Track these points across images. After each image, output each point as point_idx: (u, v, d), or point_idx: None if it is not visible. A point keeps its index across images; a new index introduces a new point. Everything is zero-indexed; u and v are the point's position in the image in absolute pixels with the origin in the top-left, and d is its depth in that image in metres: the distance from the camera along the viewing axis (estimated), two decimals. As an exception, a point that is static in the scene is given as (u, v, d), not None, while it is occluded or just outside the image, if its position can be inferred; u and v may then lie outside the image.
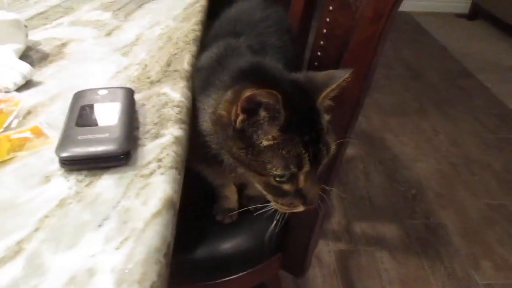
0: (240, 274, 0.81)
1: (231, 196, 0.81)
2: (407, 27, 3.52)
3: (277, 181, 0.53)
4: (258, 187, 0.57)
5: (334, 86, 0.52)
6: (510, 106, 2.47)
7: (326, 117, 0.55)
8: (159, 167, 0.42)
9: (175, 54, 0.64)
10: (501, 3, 3.17)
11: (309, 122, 0.52)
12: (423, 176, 1.96)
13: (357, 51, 0.58)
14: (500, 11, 3.19)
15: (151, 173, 0.41)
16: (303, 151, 0.51)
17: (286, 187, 0.54)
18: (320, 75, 0.55)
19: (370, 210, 1.78)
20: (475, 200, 1.84)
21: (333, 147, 0.55)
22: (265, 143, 0.51)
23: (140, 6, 0.83)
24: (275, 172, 0.51)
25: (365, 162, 2.02)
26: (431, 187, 1.90)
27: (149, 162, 0.42)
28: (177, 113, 0.50)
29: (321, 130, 0.53)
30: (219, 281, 0.80)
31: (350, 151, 2.10)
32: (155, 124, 0.48)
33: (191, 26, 0.73)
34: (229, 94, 0.52)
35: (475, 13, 3.60)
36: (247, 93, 0.47)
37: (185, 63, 0.61)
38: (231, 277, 0.81)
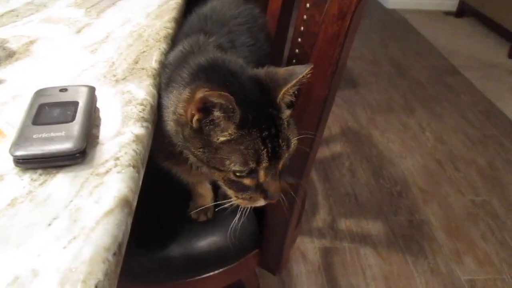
0: (217, 271, 0.81)
1: (205, 193, 0.80)
2: (395, 25, 3.54)
3: (237, 176, 0.53)
4: (219, 183, 0.57)
5: (294, 82, 0.52)
6: (496, 103, 2.49)
7: (287, 112, 0.55)
8: (116, 165, 0.42)
9: (144, 51, 0.63)
10: (487, 1, 3.19)
11: (268, 117, 0.52)
12: (409, 173, 1.97)
13: (324, 49, 0.58)
14: (487, 9, 3.21)
15: (107, 172, 0.41)
16: (262, 147, 0.51)
17: (247, 182, 0.54)
18: (281, 71, 0.55)
19: (355, 207, 1.79)
20: (459, 197, 1.86)
21: (294, 142, 0.55)
22: (222, 139, 0.51)
23: (114, 3, 0.82)
24: (234, 168, 0.51)
25: (351, 159, 2.03)
26: (416, 184, 1.91)
27: (106, 161, 0.42)
28: (140, 111, 0.50)
29: (281, 125, 0.53)
30: (195, 279, 0.80)
31: (336, 148, 2.10)
32: (117, 122, 0.48)
33: (163, 24, 0.73)
34: (185, 93, 0.52)
35: (462, 11, 3.62)
36: (200, 93, 0.47)
37: (153, 61, 0.61)
38: (208, 275, 0.80)
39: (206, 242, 0.79)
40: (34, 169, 0.41)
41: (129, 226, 0.39)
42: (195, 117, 0.51)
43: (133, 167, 0.42)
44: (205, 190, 0.80)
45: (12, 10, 0.77)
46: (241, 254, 0.82)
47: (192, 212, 0.81)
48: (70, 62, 0.61)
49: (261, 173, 0.53)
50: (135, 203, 0.41)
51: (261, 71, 0.56)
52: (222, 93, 0.46)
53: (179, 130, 0.54)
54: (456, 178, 1.95)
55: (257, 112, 0.51)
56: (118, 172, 0.41)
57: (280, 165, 0.55)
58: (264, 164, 0.52)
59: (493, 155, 2.10)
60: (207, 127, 0.51)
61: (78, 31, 0.70)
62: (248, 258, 0.83)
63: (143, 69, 0.58)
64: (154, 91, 0.55)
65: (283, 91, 0.53)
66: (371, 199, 1.82)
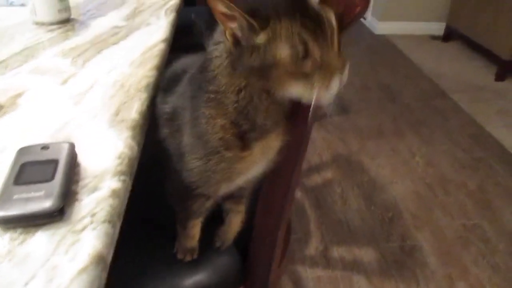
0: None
1: (196, 235, 0.82)
2: (384, 50, 3.62)
3: (294, 64, 0.52)
4: (291, 90, 0.55)
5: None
6: (484, 125, 2.53)
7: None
8: (92, 222, 0.44)
9: (125, 102, 0.66)
10: (473, 25, 3.28)
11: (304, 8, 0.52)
12: (400, 198, 1.99)
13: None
14: (473, 33, 3.30)
15: (83, 228, 0.43)
16: (302, 27, 0.51)
17: (307, 66, 0.52)
18: None
19: (347, 234, 1.80)
20: (450, 221, 1.87)
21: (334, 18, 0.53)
22: (259, 41, 0.52)
23: (99, 51, 0.86)
24: (285, 56, 0.51)
25: (343, 186, 2.05)
26: (407, 209, 1.93)
27: (83, 217, 0.45)
28: (117, 165, 0.53)
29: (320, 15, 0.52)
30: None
31: (327, 175, 2.13)
32: (95, 177, 0.50)
33: (145, 72, 0.76)
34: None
35: (449, 35, 3.72)
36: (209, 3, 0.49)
37: (133, 112, 0.64)
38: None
39: (190, 281, 0.81)
40: (14, 228, 0.43)
41: (104, 280, 0.41)
42: (227, 32, 0.52)
43: (109, 222, 0.45)
44: (197, 231, 0.81)
45: (1, 62, 0.80)
46: (227, 292, 0.84)
47: (178, 253, 0.83)
48: (54, 115, 0.64)
49: (315, 50, 0.51)
50: (110, 257, 0.43)
51: None
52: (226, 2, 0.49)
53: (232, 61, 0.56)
54: (447, 203, 1.97)
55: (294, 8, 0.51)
56: (93, 229, 0.43)
57: (331, 39, 0.52)
58: (311, 40, 0.51)
59: (483, 178, 2.13)
60: (243, 38, 0.53)
61: (64, 82, 0.74)
62: (234, 295, 0.85)
63: (123, 121, 0.61)
64: (133, 143, 0.58)
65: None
66: (363, 226, 1.84)
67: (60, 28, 0.99)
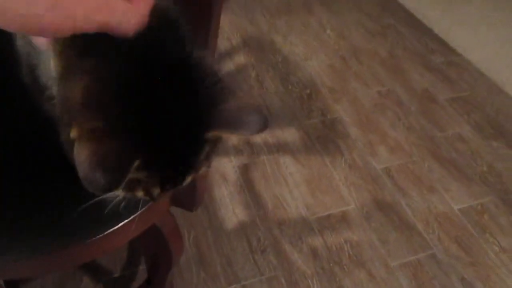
0: (124, 222, 0.68)
1: None
2: None
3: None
4: None
5: (235, 134, 0.43)
6: (390, -9, 2.48)
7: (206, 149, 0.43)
8: None
9: None
10: None
11: (181, 154, 0.41)
12: (316, 74, 1.93)
13: None
14: None
15: None
16: (159, 186, 0.42)
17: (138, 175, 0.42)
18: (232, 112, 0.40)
19: (268, 117, 1.72)
20: (366, 90, 1.87)
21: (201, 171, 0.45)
22: None
23: None
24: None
25: (257, 69, 1.93)
26: (324, 84, 1.88)
27: None
28: None
29: (192, 167, 0.43)
30: (98, 237, 0.67)
31: (240, 59, 1.97)
32: None
33: None
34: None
35: None
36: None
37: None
38: (113, 229, 0.68)
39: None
40: None
41: None
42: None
43: None
44: None
45: None
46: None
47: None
48: None
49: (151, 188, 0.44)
50: None
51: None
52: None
53: None
54: (361, 72, 1.96)
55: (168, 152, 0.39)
56: None
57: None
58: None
59: (392, 44, 2.13)
60: None
61: None
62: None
63: None
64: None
65: (214, 133, 0.41)
66: (283, 107, 1.77)
67: None
